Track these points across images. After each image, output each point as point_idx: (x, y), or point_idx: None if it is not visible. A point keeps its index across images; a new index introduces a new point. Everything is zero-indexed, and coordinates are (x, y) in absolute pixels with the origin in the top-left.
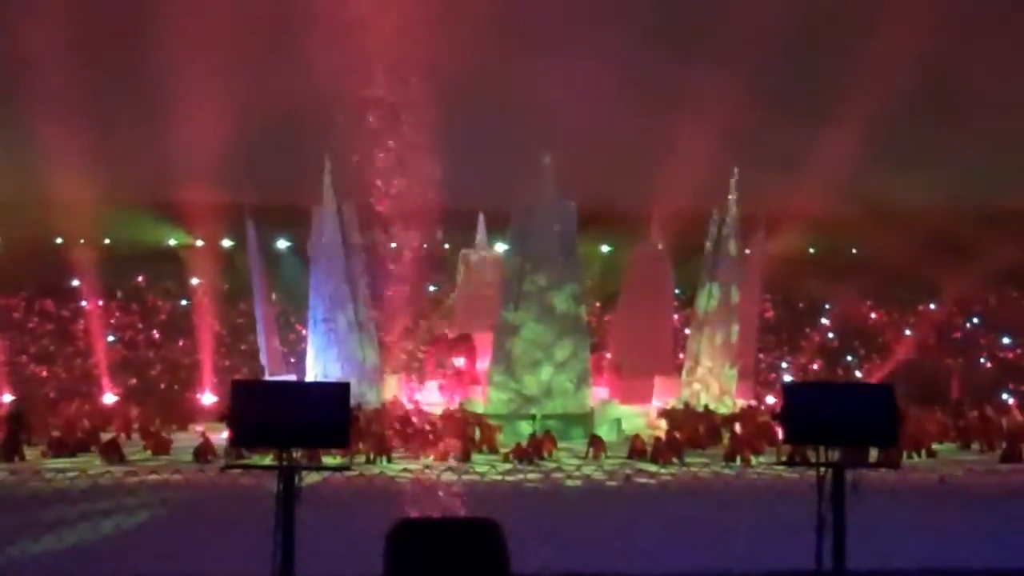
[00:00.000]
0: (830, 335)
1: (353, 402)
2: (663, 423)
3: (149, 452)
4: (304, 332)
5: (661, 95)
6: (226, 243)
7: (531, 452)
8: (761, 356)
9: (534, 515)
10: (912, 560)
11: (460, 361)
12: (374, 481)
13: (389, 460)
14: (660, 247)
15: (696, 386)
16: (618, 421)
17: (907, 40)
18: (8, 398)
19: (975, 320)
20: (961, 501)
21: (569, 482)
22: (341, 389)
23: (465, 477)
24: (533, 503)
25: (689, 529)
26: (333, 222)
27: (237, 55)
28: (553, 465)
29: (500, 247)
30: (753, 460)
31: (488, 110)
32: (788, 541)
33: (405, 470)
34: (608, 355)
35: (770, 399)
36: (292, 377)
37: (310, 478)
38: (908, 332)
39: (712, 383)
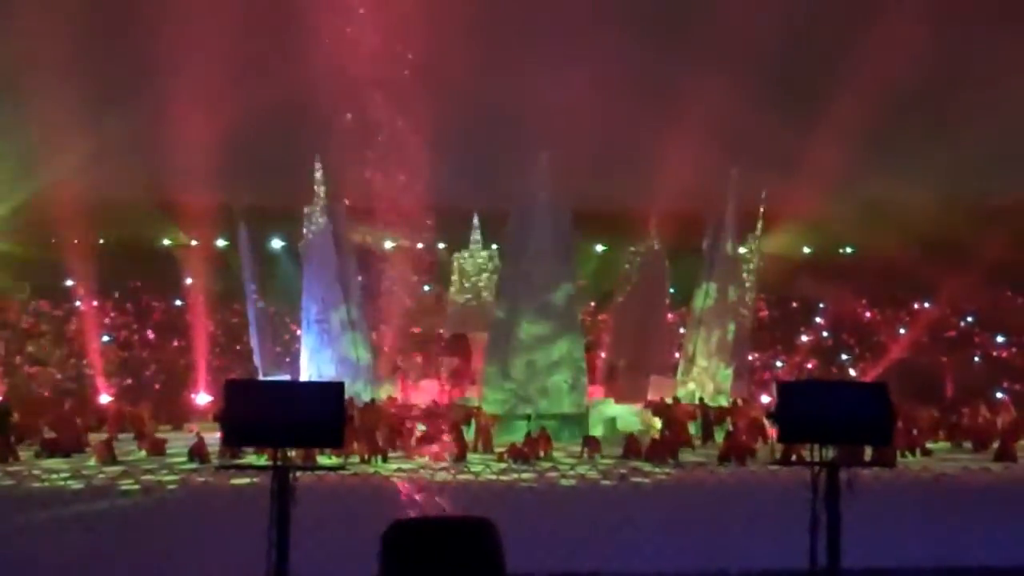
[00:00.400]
0: (824, 334)
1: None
2: (657, 422)
3: (144, 452)
4: (299, 332)
5: (656, 95)
6: (220, 243)
7: (527, 452)
8: (756, 355)
9: (529, 515)
10: (906, 559)
11: (455, 361)
12: (369, 481)
13: (384, 460)
14: (656, 247)
15: (691, 385)
16: (613, 420)
17: (900, 38)
18: None
19: (969, 319)
20: (955, 499)
21: (564, 481)
22: (335, 388)
23: (460, 477)
24: (528, 503)
25: (684, 528)
26: (324, 223)
27: (231, 54)
28: (548, 465)
29: (495, 247)
30: (747, 459)
31: (483, 109)
32: (782, 540)
33: (400, 470)
34: (603, 354)
35: (764, 398)
36: (286, 377)
37: (305, 478)
38: (902, 331)
39: (707, 382)
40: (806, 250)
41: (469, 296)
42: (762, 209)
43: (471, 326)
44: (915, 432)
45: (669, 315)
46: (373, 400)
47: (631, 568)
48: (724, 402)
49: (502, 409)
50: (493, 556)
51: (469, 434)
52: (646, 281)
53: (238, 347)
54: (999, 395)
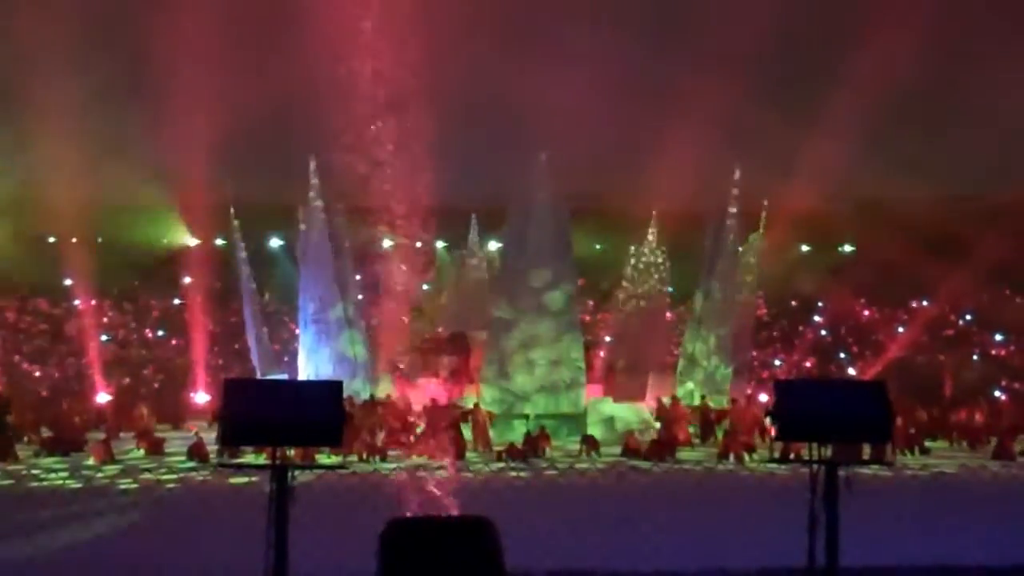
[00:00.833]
0: (823, 332)
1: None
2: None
3: (142, 451)
4: (297, 331)
5: (656, 93)
6: (219, 242)
7: (525, 451)
8: (754, 354)
9: (527, 513)
10: (905, 557)
11: (454, 360)
12: (367, 479)
13: (383, 459)
14: (656, 246)
15: (690, 385)
16: (611, 419)
17: (901, 37)
18: None
19: (968, 317)
20: (954, 498)
21: (562, 480)
22: (334, 387)
23: (458, 475)
24: (526, 501)
25: (682, 526)
26: (320, 222)
27: (228, 53)
28: (546, 463)
29: (494, 245)
30: (746, 457)
31: (482, 108)
32: (781, 538)
33: (398, 468)
34: (602, 353)
35: (763, 397)
36: (284, 376)
37: (303, 477)
38: (901, 329)
39: (707, 382)
40: (804, 248)
41: (467, 295)
42: (765, 206)
43: (469, 325)
44: (913, 431)
45: (668, 314)
46: (372, 397)
47: (629, 566)
48: (724, 402)
49: (500, 408)
50: (492, 554)
51: (467, 433)
52: (645, 280)
53: (236, 346)
54: (997, 394)
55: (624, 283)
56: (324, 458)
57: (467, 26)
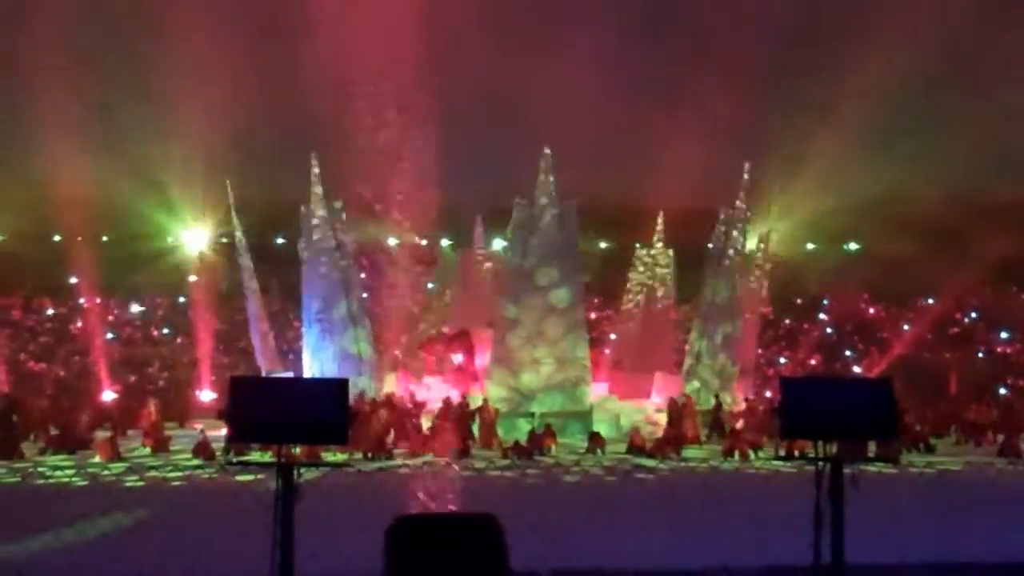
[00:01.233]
0: (828, 330)
1: (355, 390)
2: (663, 417)
3: (148, 450)
4: (302, 329)
5: (662, 91)
6: (224, 240)
7: (531, 448)
8: (760, 352)
9: (533, 511)
10: (910, 554)
11: (459, 358)
12: (373, 477)
13: (388, 456)
14: (663, 244)
15: (696, 383)
16: (617, 417)
17: (906, 34)
18: None
19: (973, 315)
20: (959, 495)
21: (568, 477)
22: (339, 385)
23: (464, 473)
24: (532, 499)
25: (688, 524)
26: (322, 221)
27: (231, 50)
28: (552, 460)
29: (499, 243)
30: (751, 455)
31: (487, 106)
32: (786, 536)
33: (404, 466)
34: (607, 351)
35: (769, 394)
36: (289, 374)
37: (309, 475)
38: (906, 327)
39: (713, 380)
40: (810, 246)
41: (472, 293)
42: (771, 204)
43: (474, 323)
44: (919, 428)
45: (674, 312)
46: (375, 397)
47: (635, 564)
48: (728, 402)
49: (506, 407)
50: (497, 551)
51: (475, 430)
52: (651, 278)
53: (242, 344)
54: (1003, 391)
55: (630, 281)
56: (329, 456)
57: (473, 24)
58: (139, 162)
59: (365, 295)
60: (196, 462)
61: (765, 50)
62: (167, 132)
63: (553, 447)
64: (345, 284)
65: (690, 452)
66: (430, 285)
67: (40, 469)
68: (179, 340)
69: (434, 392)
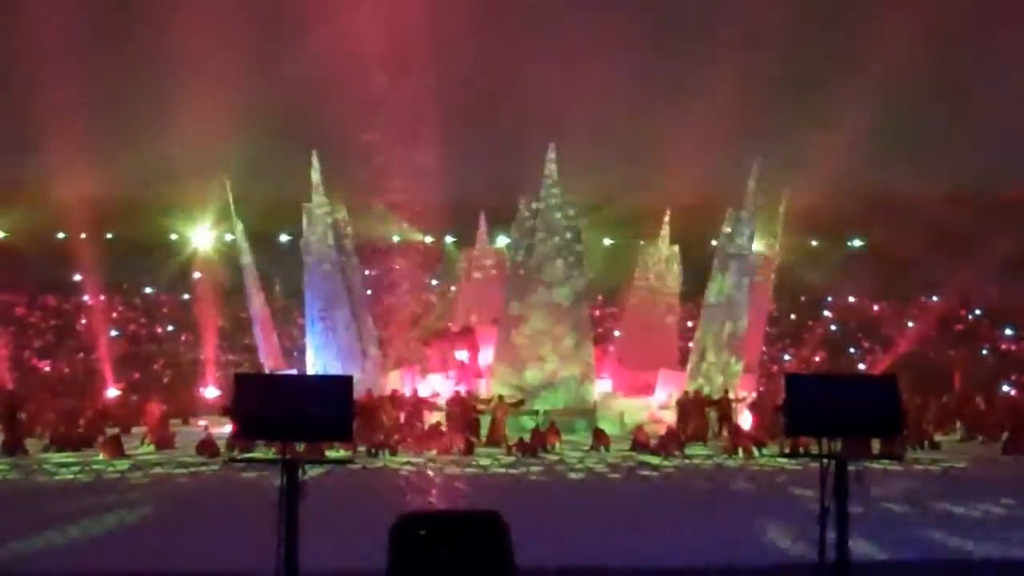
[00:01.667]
0: (833, 327)
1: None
2: (667, 414)
3: (152, 447)
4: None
5: (667, 87)
6: (229, 237)
7: (535, 446)
8: (764, 349)
9: (537, 508)
10: (915, 551)
11: (463, 354)
12: (378, 474)
13: (393, 453)
14: (668, 241)
15: (700, 380)
16: (621, 414)
17: (913, 32)
18: None
19: (977, 312)
20: (964, 492)
21: (572, 475)
22: (344, 382)
23: (468, 470)
24: (536, 496)
25: (692, 521)
26: (324, 220)
27: (237, 46)
28: (556, 458)
29: (503, 240)
30: (756, 452)
31: (493, 102)
32: (791, 533)
33: (408, 463)
34: (612, 348)
35: (762, 389)
36: (293, 371)
37: (313, 472)
38: (911, 324)
39: (717, 376)
40: (814, 243)
41: (477, 290)
42: (784, 202)
43: (479, 320)
44: (924, 425)
45: (678, 309)
46: (380, 396)
47: (639, 562)
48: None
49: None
50: (501, 549)
51: (484, 427)
52: (656, 275)
53: (246, 341)
54: (1007, 388)
55: (635, 278)
56: (333, 453)
57: (478, 19)
58: (142, 159)
59: (369, 292)
60: (200, 459)
61: (772, 47)
62: (170, 128)
63: (557, 444)
64: (348, 282)
65: (694, 450)
66: (434, 282)
67: (44, 466)
68: (183, 337)
69: (438, 389)
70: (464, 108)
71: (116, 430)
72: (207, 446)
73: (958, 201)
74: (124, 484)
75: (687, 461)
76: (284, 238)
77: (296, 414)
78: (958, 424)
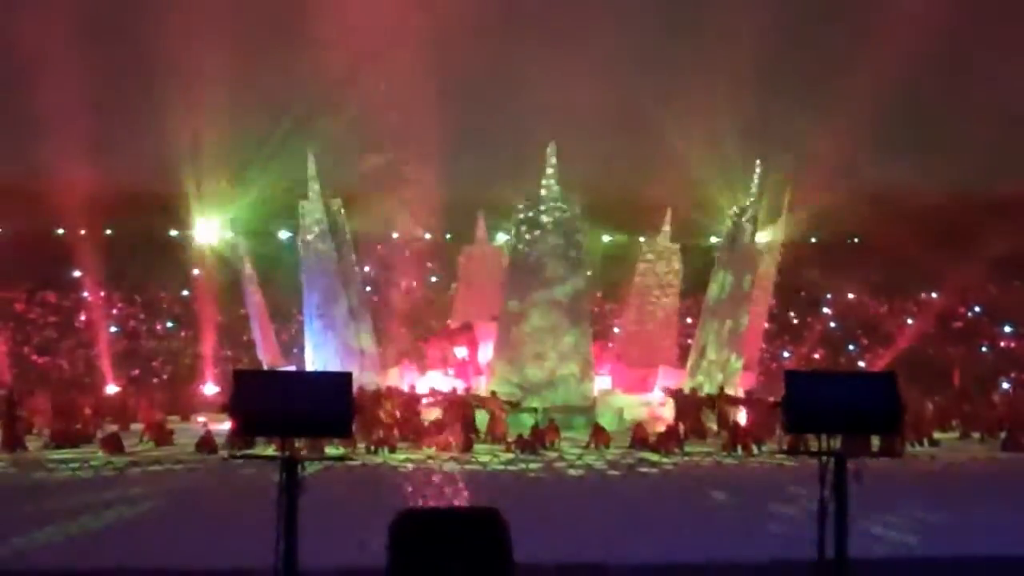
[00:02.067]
0: (832, 324)
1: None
2: (666, 412)
3: (152, 443)
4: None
5: (667, 85)
6: (227, 234)
7: (534, 442)
8: (763, 346)
9: (536, 505)
10: (914, 549)
11: (462, 351)
12: (377, 471)
13: (392, 450)
14: (668, 239)
15: (700, 377)
16: (620, 411)
17: (911, 28)
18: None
19: (977, 309)
20: (963, 489)
21: (571, 471)
22: (343, 379)
23: (467, 467)
24: (535, 493)
25: (691, 518)
26: (321, 217)
27: (237, 47)
28: (555, 455)
29: (502, 237)
30: (755, 449)
31: (492, 99)
32: (790, 530)
33: (407, 460)
34: (611, 345)
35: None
36: (292, 368)
37: (312, 468)
38: (910, 321)
39: (716, 373)
40: (813, 240)
41: (476, 287)
42: (785, 200)
43: (478, 317)
44: (923, 422)
45: (678, 306)
46: (379, 392)
47: (638, 559)
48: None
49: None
50: (500, 546)
51: (483, 424)
52: (656, 273)
53: (245, 338)
54: (1006, 385)
55: (635, 275)
56: (332, 449)
57: (477, 16)
58: (142, 154)
59: (368, 289)
60: (199, 456)
61: (770, 46)
62: (172, 122)
63: (556, 441)
64: (345, 278)
65: (693, 447)
66: (433, 279)
67: (43, 462)
68: (183, 334)
69: (437, 386)
70: (464, 105)
71: (115, 427)
72: (206, 443)
73: (957, 198)
74: (123, 480)
75: (686, 458)
76: (282, 235)
77: (296, 411)
78: (956, 421)
